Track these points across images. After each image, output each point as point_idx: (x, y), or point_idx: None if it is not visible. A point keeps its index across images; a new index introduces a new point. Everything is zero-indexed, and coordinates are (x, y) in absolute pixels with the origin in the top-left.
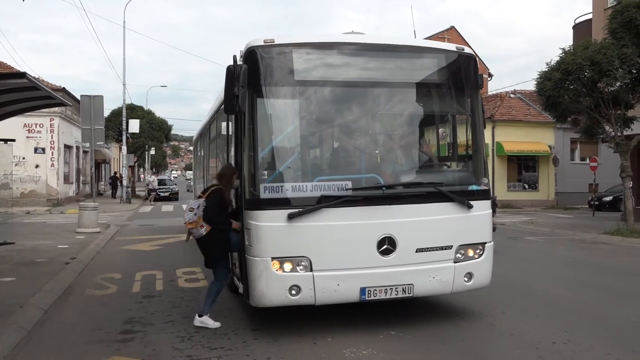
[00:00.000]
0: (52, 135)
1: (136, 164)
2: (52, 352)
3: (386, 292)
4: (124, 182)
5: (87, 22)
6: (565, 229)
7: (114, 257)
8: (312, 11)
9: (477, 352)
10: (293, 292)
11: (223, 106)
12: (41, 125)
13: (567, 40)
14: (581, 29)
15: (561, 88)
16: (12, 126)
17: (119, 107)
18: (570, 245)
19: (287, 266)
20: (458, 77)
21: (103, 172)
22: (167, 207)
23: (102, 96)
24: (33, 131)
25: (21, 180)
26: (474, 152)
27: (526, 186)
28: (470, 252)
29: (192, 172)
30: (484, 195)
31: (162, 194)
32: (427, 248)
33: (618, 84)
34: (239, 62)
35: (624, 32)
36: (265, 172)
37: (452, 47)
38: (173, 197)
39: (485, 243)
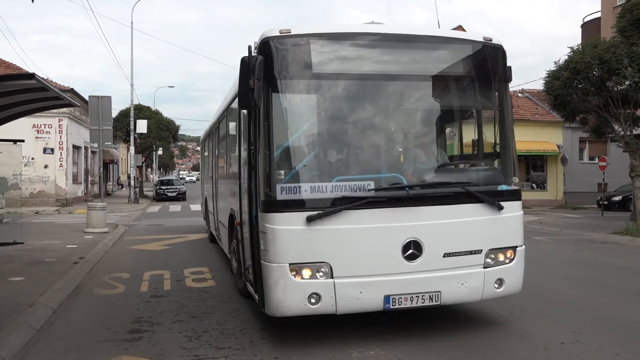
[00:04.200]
0: (60, 136)
1: (144, 164)
2: (60, 351)
3: (412, 300)
4: (132, 183)
5: (96, 23)
6: (573, 228)
7: (122, 256)
8: (317, 11)
9: (485, 351)
10: (312, 300)
11: (234, 103)
12: (50, 126)
13: (574, 39)
14: (590, 27)
15: (569, 87)
16: (21, 127)
17: (126, 107)
18: (579, 245)
19: (306, 273)
20: (486, 69)
21: (111, 172)
22: (175, 207)
23: (110, 97)
24: (42, 132)
25: (30, 180)
26: (502, 149)
27: (534, 186)
28: (501, 257)
29: (199, 172)
30: (514, 195)
31: (169, 194)
32: (456, 252)
33: (627, 82)
34: (253, 53)
35: (633, 30)
36: (282, 172)
37: (479, 37)
38: (180, 197)
39: (517, 247)
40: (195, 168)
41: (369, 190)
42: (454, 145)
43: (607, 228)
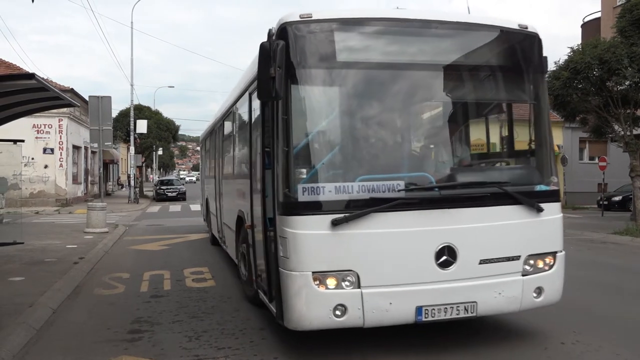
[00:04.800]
0: (60, 136)
1: (144, 164)
2: (60, 351)
3: (445, 312)
4: (132, 183)
5: (96, 23)
6: (574, 228)
7: (122, 257)
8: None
9: (485, 352)
10: (338, 312)
11: (243, 96)
12: (50, 126)
13: (574, 39)
14: (590, 27)
15: (569, 87)
16: (21, 127)
17: (126, 107)
18: (579, 245)
19: (331, 282)
20: (522, 59)
21: (111, 172)
22: (175, 207)
23: (110, 97)
24: (42, 132)
25: (30, 180)
26: (540, 146)
27: None
28: (540, 264)
29: (199, 172)
30: (553, 196)
31: (169, 194)
32: (492, 259)
33: (627, 82)
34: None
35: (633, 30)
36: (304, 171)
37: (514, 24)
38: (180, 197)
39: (557, 252)
40: (195, 168)
41: (398, 190)
42: (490, 141)
43: (607, 228)
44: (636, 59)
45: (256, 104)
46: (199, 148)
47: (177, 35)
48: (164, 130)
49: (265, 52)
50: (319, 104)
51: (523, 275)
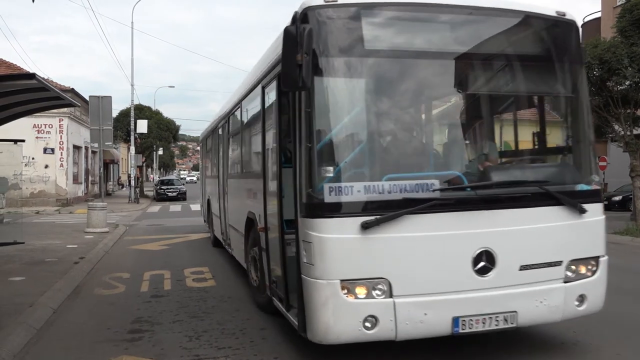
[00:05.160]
0: (61, 136)
1: (144, 164)
2: (61, 351)
3: (484, 323)
4: (132, 182)
5: (96, 23)
6: None
7: (122, 256)
8: None
9: (482, 353)
10: (368, 324)
11: (256, 89)
12: (50, 126)
13: None
14: (590, 27)
15: None
16: (22, 127)
17: (127, 107)
18: None
19: (361, 291)
20: (560, 48)
21: (111, 172)
22: (175, 207)
23: (110, 97)
24: (42, 132)
25: (31, 180)
26: (579, 142)
27: None
28: (583, 269)
29: (199, 172)
30: (595, 196)
31: (169, 194)
32: (533, 265)
33: (627, 82)
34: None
35: (633, 30)
36: (330, 169)
37: (551, 11)
38: (181, 197)
39: (599, 257)
40: (195, 168)
41: (433, 190)
42: (527, 136)
43: (607, 228)
44: (636, 59)
45: (270, 97)
46: (199, 148)
47: (178, 35)
48: (164, 130)
49: (291, 38)
50: (346, 95)
51: (565, 282)
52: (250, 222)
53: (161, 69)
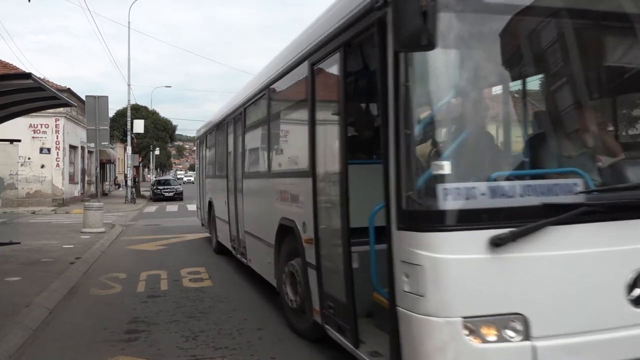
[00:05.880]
0: (57, 136)
1: (141, 164)
2: (57, 352)
3: None
4: (129, 182)
5: (93, 23)
6: None
7: (118, 257)
8: (318, 11)
9: None
10: None
11: (300, 67)
12: (46, 126)
13: None
14: None
15: None
16: (18, 126)
17: (123, 107)
18: None
19: (489, 332)
20: None
21: (108, 172)
22: (172, 207)
23: (106, 97)
24: (38, 131)
25: (27, 180)
26: None
27: None
28: None
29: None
30: None
31: (166, 194)
32: None
33: None
34: None
35: None
36: (444, 164)
37: None
38: (177, 197)
39: None
40: (192, 168)
41: (577, 193)
42: None
43: None
44: None
45: (324, 76)
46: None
47: (175, 35)
48: (161, 130)
49: None
50: (457, 67)
51: None
52: (285, 230)
53: (158, 69)
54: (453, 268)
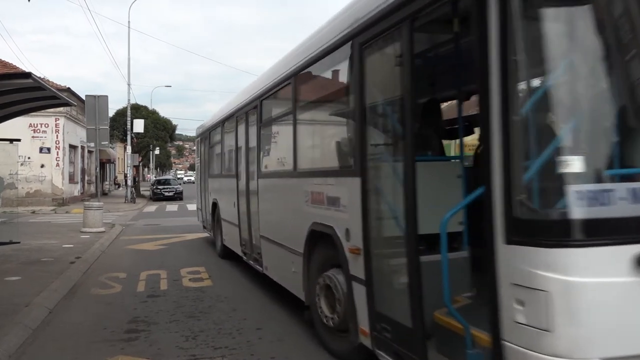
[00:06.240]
0: (57, 135)
1: (141, 164)
2: (57, 351)
3: None
4: (129, 182)
5: (93, 23)
6: None
7: (118, 256)
8: (319, 12)
9: None
10: None
11: (341, 48)
12: (46, 125)
13: None
14: None
15: None
16: (18, 126)
17: (123, 107)
18: None
19: None
20: None
21: (108, 171)
22: (172, 206)
23: (106, 96)
24: (38, 131)
25: (27, 179)
26: None
27: None
28: None
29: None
30: None
31: (166, 194)
32: None
33: None
34: None
35: None
36: (573, 160)
37: None
38: (177, 197)
39: None
40: (192, 168)
41: None
42: None
43: None
44: None
45: (375, 56)
46: (195, 148)
47: (176, 35)
48: (160, 129)
49: None
50: (578, 34)
51: None
52: (319, 237)
53: (159, 69)
54: (592, 295)
